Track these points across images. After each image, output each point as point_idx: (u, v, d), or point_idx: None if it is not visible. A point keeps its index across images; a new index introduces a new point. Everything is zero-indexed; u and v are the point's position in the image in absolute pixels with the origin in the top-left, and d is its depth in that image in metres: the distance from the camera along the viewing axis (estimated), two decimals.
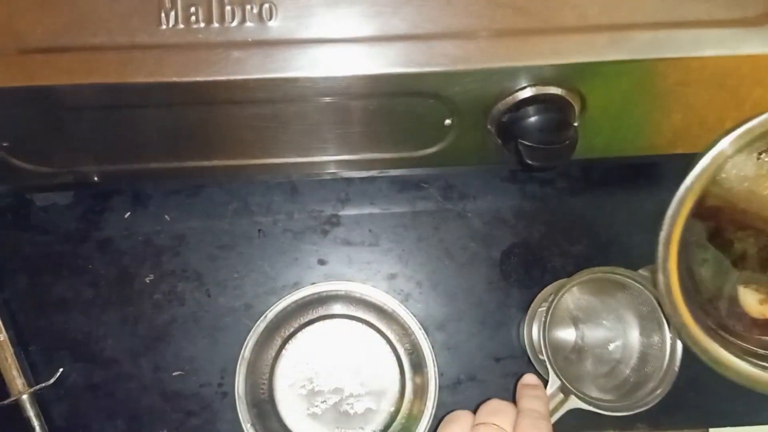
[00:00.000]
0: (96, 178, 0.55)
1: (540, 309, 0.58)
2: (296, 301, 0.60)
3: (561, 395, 0.51)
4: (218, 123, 0.50)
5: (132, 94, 0.45)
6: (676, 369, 0.55)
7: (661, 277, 0.44)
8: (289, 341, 0.62)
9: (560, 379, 0.51)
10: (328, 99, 0.47)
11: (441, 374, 0.61)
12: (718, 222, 0.50)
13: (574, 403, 0.51)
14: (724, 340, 0.47)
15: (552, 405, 0.50)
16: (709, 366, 0.47)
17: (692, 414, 0.63)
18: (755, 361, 0.47)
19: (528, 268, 0.65)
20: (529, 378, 0.48)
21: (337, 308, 0.63)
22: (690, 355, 0.47)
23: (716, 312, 0.50)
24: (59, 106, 0.46)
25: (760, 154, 0.47)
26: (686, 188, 0.42)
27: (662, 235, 0.43)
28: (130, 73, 0.43)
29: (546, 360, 0.52)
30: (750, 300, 0.51)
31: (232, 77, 0.44)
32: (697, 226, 0.50)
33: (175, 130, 0.50)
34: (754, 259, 0.51)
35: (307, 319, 0.62)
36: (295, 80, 0.44)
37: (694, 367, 0.49)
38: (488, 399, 0.44)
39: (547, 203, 0.67)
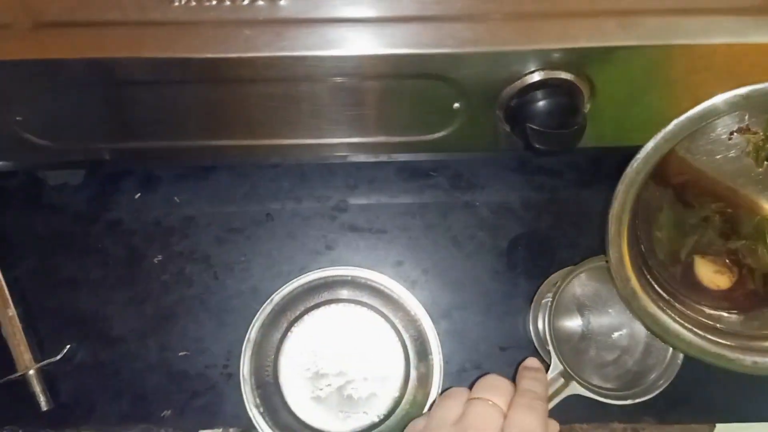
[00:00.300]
0: (107, 156, 0.55)
1: (547, 295, 0.57)
2: (303, 285, 0.61)
3: (562, 380, 0.51)
4: (228, 102, 0.50)
5: (143, 70, 0.46)
6: (679, 361, 0.55)
7: (612, 251, 0.46)
8: (295, 324, 0.62)
9: (562, 364, 0.51)
10: (337, 79, 0.47)
11: (446, 362, 0.61)
12: (684, 186, 0.52)
13: (574, 389, 0.51)
14: (676, 312, 0.49)
15: (552, 390, 0.50)
16: (659, 336, 0.48)
17: (699, 409, 0.63)
18: (708, 335, 0.48)
19: (535, 258, 0.65)
20: (531, 361, 0.48)
21: (344, 293, 0.63)
22: None
23: (671, 278, 0.52)
24: (71, 81, 0.47)
25: (731, 134, 0.48)
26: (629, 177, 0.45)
27: (613, 211, 0.46)
28: (141, 49, 0.44)
29: (549, 343, 0.52)
30: (705, 270, 0.53)
31: (242, 54, 0.44)
32: (660, 190, 0.52)
33: (185, 108, 0.50)
34: (715, 226, 0.53)
35: (313, 303, 0.62)
36: (304, 59, 0.45)
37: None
38: (485, 374, 0.44)
39: (556, 194, 0.67)
